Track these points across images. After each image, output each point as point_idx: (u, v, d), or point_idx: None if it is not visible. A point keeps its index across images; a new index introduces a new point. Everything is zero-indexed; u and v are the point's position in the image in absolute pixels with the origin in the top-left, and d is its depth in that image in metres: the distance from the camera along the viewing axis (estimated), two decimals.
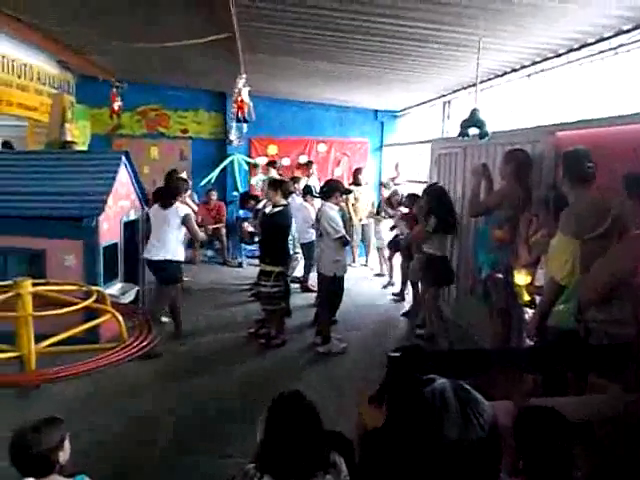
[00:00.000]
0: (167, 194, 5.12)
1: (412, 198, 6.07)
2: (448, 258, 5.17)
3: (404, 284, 6.72)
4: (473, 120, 4.15)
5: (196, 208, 7.89)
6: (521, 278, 3.61)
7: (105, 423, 3.55)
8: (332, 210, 4.93)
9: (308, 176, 8.66)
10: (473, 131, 4.21)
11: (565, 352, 2.23)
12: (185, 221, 5.03)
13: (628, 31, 3.63)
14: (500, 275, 3.92)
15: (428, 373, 1.17)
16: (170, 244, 5.00)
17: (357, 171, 8.56)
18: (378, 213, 7.84)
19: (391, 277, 7.49)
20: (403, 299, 6.75)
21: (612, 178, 2.92)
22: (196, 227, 5.23)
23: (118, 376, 4.07)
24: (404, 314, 6.18)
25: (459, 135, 4.28)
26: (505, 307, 3.97)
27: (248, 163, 9.31)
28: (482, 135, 4.16)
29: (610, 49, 3.89)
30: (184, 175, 7.12)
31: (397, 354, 1.90)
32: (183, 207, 5.17)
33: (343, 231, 4.90)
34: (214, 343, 5.17)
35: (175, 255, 5.04)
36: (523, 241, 3.67)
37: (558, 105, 4.74)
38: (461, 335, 5.32)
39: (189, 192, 5.93)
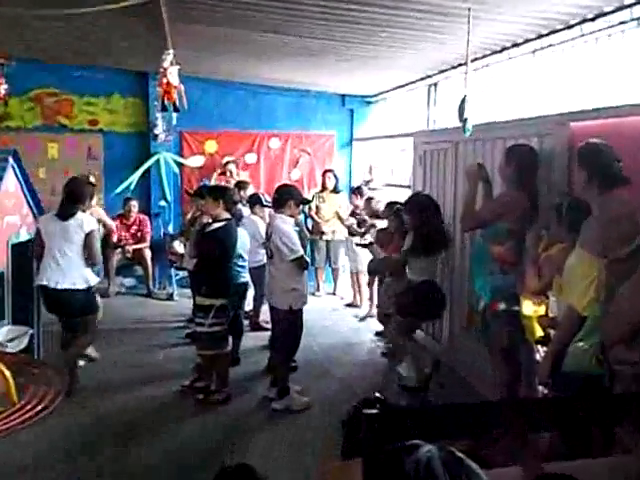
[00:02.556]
0: (68, 200, 5.07)
1: (392, 209, 6.15)
2: (435, 283, 5.25)
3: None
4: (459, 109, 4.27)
5: (112, 223, 7.79)
6: (530, 308, 3.68)
7: None
8: (285, 224, 4.94)
9: (228, 180, 8.67)
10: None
11: (586, 402, 2.26)
12: (87, 238, 5.02)
13: None
14: (502, 305, 3.97)
15: (409, 436, 1.17)
16: (74, 267, 4.98)
17: (325, 173, 8.69)
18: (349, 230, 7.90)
19: (371, 307, 7.56)
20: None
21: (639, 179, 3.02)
22: (98, 247, 5.22)
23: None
24: (384, 354, 6.25)
25: (464, 128, 4.36)
26: (510, 346, 4.02)
27: (179, 164, 9.25)
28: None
29: (632, 19, 4.02)
30: (92, 180, 7.01)
31: (355, 415, 1.89)
32: (90, 219, 5.15)
33: (301, 250, 4.91)
34: (136, 402, 5.08)
35: (86, 281, 5.03)
36: (531, 261, 3.75)
37: (572, 89, 4.87)
38: (456, 382, 5.37)
39: (95, 200, 5.84)
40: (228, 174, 8.82)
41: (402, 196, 6.91)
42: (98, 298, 5.55)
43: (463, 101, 4.35)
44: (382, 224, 6.72)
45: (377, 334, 6.90)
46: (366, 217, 7.38)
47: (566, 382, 2.91)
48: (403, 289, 5.24)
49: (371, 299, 7.61)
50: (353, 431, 1.83)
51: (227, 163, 9.06)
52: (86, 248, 5.08)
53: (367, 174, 9.07)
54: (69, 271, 4.96)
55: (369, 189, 8.48)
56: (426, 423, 2.12)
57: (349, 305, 8.18)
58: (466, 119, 4.36)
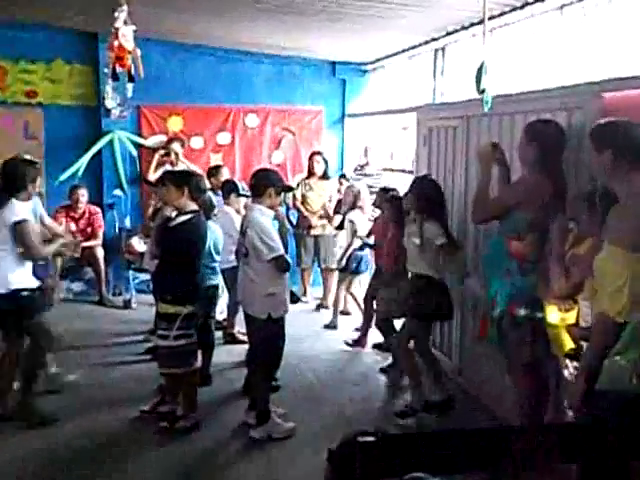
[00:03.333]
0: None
1: (384, 196, 6.17)
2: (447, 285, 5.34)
3: (367, 323, 6.98)
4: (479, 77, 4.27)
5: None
6: (556, 315, 3.67)
7: None
8: (264, 216, 4.94)
9: (174, 163, 8.65)
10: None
11: (625, 429, 2.26)
12: (16, 230, 4.93)
13: None
14: (522, 310, 3.97)
15: (411, 468, 1.15)
16: (5, 266, 4.93)
17: (313, 156, 8.68)
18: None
19: (336, 313, 7.69)
20: (363, 345, 7.00)
21: None
22: (33, 240, 5.07)
23: None
24: (384, 370, 6.27)
25: (483, 101, 4.39)
26: (533, 360, 4.02)
27: (138, 145, 9.18)
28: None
29: None
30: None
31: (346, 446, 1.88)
32: (19, 206, 5.04)
33: (281, 248, 4.89)
34: (85, 431, 5.05)
35: (8, 286, 4.95)
36: (557, 259, 3.74)
37: (606, 54, 4.87)
38: (468, 403, 5.38)
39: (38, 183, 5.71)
40: (173, 156, 8.72)
41: (401, 183, 6.95)
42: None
43: (481, 67, 4.32)
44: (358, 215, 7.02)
45: (375, 346, 6.91)
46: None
47: (600, 403, 2.89)
48: (412, 286, 5.31)
49: (336, 304, 7.76)
50: (342, 466, 1.81)
51: (170, 141, 8.94)
52: (18, 244, 5.01)
53: (362, 157, 9.06)
54: None
55: (365, 175, 8.47)
56: (432, 452, 2.10)
57: (344, 313, 8.13)
58: (484, 90, 4.34)
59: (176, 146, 8.80)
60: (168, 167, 8.50)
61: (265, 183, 5.00)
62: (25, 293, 5.09)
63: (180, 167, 8.39)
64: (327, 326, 7.75)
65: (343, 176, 8.42)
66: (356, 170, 8.85)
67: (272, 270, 4.85)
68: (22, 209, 5.08)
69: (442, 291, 5.28)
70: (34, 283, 5.16)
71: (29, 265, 5.17)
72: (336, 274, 7.97)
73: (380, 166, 8.87)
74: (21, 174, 5.12)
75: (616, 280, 2.84)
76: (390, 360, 6.34)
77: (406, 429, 5.08)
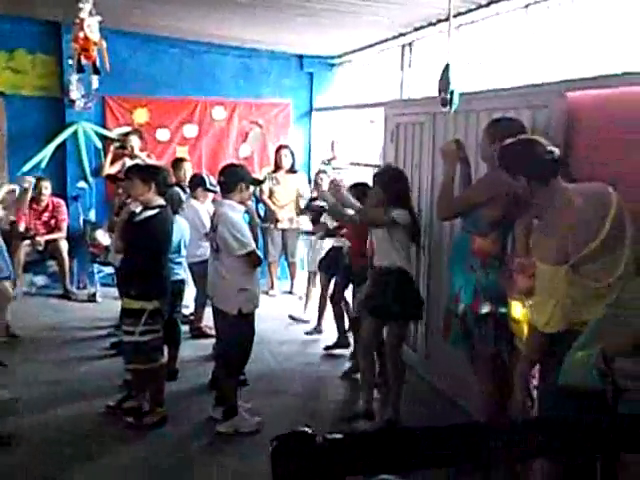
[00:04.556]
0: None
1: (359, 190, 6.17)
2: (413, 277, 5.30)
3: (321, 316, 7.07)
4: (443, 79, 4.28)
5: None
6: (519, 310, 3.73)
7: None
8: (235, 212, 4.94)
9: (132, 157, 8.59)
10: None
11: (586, 423, 2.29)
12: None
13: None
14: (486, 306, 4.02)
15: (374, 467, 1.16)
16: None
17: (280, 150, 8.69)
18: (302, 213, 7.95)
19: (320, 320, 7.37)
20: (348, 345, 6.82)
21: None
22: None
23: None
24: (345, 375, 6.20)
25: (443, 104, 4.39)
26: (496, 355, 4.08)
27: (103, 137, 9.10)
28: (444, 101, 4.35)
29: None
30: None
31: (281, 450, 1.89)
32: None
33: (253, 244, 4.90)
34: (49, 427, 5.02)
35: None
36: (521, 255, 3.79)
37: (571, 53, 4.95)
38: (436, 398, 5.44)
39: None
40: (129, 149, 8.71)
41: (369, 177, 6.96)
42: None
43: (447, 69, 4.35)
44: None
45: (327, 348, 6.78)
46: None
47: (560, 398, 2.95)
48: (380, 282, 5.04)
49: (322, 309, 7.29)
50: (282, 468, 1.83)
51: (127, 134, 8.90)
52: None
53: (329, 151, 9.07)
54: None
55: (332, 169, 8.48)
56: (391, 451, 2.13)
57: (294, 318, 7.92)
58: (452, 91, 4.35)
59: (134, 139, 8.77)
60: (127, 160, 8.47)
61: (235, 179, 5.00)
62: None
63: (136, 161, 8.32)
64: (309, 333, 7.35)
65: (324, 172, 8.37)
66: (322, 164, 8.84)
67: (243, 265, 4.86)
68: None
69: (411, 286, 5.14)
70: None
71: None
72: (318, 277, 7.46)
73: (347, 160, 8.87)
74: None
75: (543, 293, 3.00)
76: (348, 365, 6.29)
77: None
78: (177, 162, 7.84)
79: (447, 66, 4.33)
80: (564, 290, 2.93)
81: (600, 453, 2.38)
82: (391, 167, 5.87)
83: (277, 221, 8.63)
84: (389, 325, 5.19)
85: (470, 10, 5.75)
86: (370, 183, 5.74)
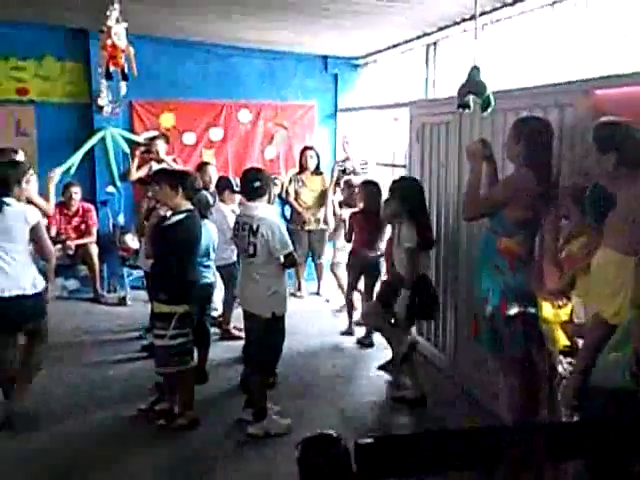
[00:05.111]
0: None
1: (369, 188, 6.28)
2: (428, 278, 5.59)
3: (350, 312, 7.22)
4: (471, 83, 4.25)
5: (50, 209, 7.70)
6: (551, 311, 3.72)
7: None
8: (273, 214, 5.13)
9: (158, 161, 8.67)
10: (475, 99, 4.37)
11: (620, 426, 2.28)
12: (35, 231, 5.00)
13: None
14: (515, 308, 4.00)
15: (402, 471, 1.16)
16: (22, 269, 4.96)
17: (305, 151, 8.72)
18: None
19: (351, 318, 7.47)
20: (372, 344, 6.93)
21: None
22: (47, 238, 5.23)
23: None
24: (381, 366, 6.30)
25: (459, 106, 4.39)
26: (525, 355, 4.06)
27: (130, 142, 9.17)
28: (482, 106, 4.32)
29: None
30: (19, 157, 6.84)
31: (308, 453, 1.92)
32: (29, 208, 5.12)
33: (291, 246, 4.98)
34: (81, 431, 5.06)
35: (34, 284, 5.03)
36: (550, 256, 3.78)
37: (598, 51, 4.89)
38: (464, 400, 5.43)
39: (32, 179, 5.70)
40: (155, 153, 8.77)
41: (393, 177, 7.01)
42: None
43: (470, 75, 4.33)
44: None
45: (358, 342, 7.10)
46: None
47: (593, 399, 2.94)
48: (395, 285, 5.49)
49: (350, 307, 7.47)
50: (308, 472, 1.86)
51: (154, 138, 8.94)
52: (35, 244, 5.08)
53: (342, 149, 9.04)
54: (17, 275, 4.92)
55: (345, 172, 8.48)
56: (422, 453, 2.14)
57: (339, 311, 8.15)
58: (488, 96, 4.31)
59: (160, 143, 8.82)
60: (153, 164, 8.54)
61: (266, 182, 5.09)
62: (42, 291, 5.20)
63: (162, 165, 8.41)
64: (344, 333, 7.42)
65: (344, 171, 8.48)
66: (337, 165, 8.81)
67: (276, 268, 4.92)
68: (33, 209, 5.16)
69: (425, 290, 5.48)
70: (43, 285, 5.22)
71: None
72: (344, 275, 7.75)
73: (364, 160, 8.85)
74: (10, 175, 5.13)
75: (613, 283, 2.88)
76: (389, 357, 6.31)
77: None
78: (202, 166, 7.88)
79: (473, 69, 4.31)
80: (632, 281, 2.84)
81: (633, 455, 2.38)
82: (407, 178, 5.91)
83: (304, 222, 8.65)
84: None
85: (495, 9, 5.71)
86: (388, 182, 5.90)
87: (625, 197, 2.99)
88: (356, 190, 7.39)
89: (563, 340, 3.64)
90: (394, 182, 5.75)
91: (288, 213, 8.99)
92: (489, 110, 4.35)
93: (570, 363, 3.51)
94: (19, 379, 5.18)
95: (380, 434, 4.95)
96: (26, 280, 4.98)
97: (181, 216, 4.97)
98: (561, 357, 3.66)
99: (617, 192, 3.04)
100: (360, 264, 7.02)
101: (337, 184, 8.41)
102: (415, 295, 5.35)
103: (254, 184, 5.01)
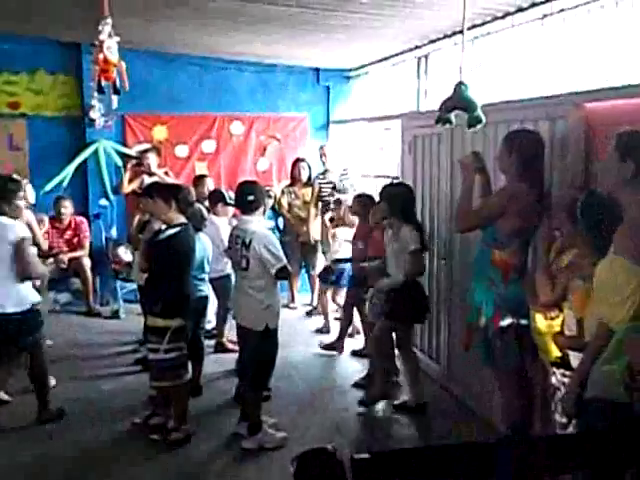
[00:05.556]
0: None
1: (361, 201, 6.28)
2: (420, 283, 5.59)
3: (345, 328, 7.13)
4: (459, 99, 4.27)
5: (44, 226, 7.69)
6: (543, 323, 3.73)
7: None
8: (266, 228, 5.09)
9: (149, 174, 8.71)
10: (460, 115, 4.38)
11: (615, 438, 2.29)
12: (17, 247, 4.99)
13: None
14: (508, 319, 4.02)
15: None
16: (7, 285, 4.95)
17: (297, 163, 8.73)
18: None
19: (327, 317, 7.79)
20: (340, 349, 7.08)
21: None
22: (33, 256, 5.20)
23: None
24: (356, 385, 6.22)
25: (437, 122, 4.42)
26: (519, 367, 4.08)
27: (123, 155, 9.17)
28: (470, 122, 4.31)
29: None
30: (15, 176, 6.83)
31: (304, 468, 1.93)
32: (18, 224, 5.11)
33: (284, 259, 4.96)
34: (74, 446, 5.02)
35: (20, 302, 5.02)
36: (542, 268, 3.79)
37: (587, 64, 4.94)
38: (460, 410, 5.44)
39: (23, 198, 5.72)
40: (146, 166, 8.78)
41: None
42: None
43: (456, 91, 4.34)
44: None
45: (354, 353, 7.02)
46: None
47: (587, 411, 2.95)
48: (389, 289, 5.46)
49: (324, 309, 7.93)
50: None
51: (146, 151, 8.94)
52: (17, 261, 5.04)
53: (320, 159, 9.00)
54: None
55: (335, 188, 8.51)
56: (418, 468, 2.15)
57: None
58: (478, 116, 4.31)
59: (151, 156, 8.83)
60: (145, 177, 8.55)
61: (260, 196, 5.09)
62: (36, 307, 5.20)
63: (154, 178, 8.43)
64: (319, 330, 7.83)
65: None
66: (317, 178, 8.81)
67: (270, 282, 4.92)
68: (19, 224, 5.13)
69: (419, 293, 5.51)
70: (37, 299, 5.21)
71: None
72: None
73: (345, 169, 8.86)
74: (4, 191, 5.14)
75: (622, 291, 2.86)
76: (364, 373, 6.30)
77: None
78: (199, 179, 7.93)
79: (459, 85, 4.32)
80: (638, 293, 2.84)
81: (629, 466, 2.38)
82: (396, 182, 5.94)
83: (297, 235, 8.66)
84: (398, 327, 5.52)
85: (485, 22, 5.76)
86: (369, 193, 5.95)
87: (636, 205, 2.96)
88: (343, 208, 7.48)
89: (555, 352, 3.65)
90: (384, 187, 5.80)
91: (281, 225, 8.99)
92: (478, 127, 4.36)
93: (564, 374, 3.52)
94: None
95: (375, 446, 4.98)
96: (6, 298, 4.96)
97: (175, 230, 4.96)
98: (554, 369, 3.68)
99: (631, 201, 3.00)
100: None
101: (323, 200, 8.44)
102: (409, 298, 5.39)
103: (248, 198, 5.02)
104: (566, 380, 3.44)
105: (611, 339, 2.91)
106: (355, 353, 6.97)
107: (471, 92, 4.30)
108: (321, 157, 8.96)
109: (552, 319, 3.69)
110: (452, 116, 4.41)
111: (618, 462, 2.34)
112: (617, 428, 2.67)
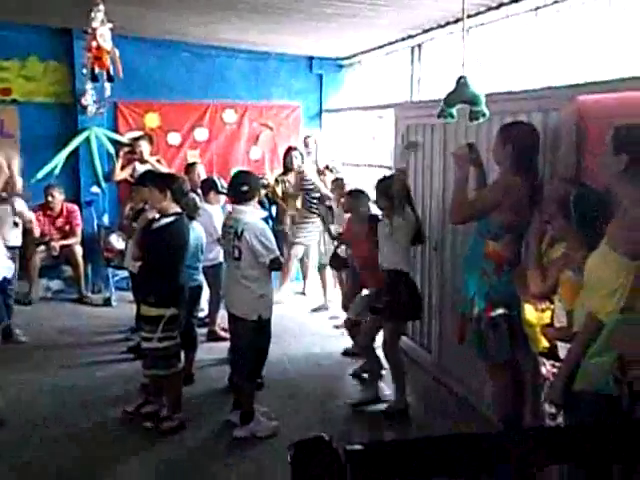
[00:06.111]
0: None
1: (354, 196, 6.27)
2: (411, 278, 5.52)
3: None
4: (464, 93, 4.27)
5: (32, 216, 7.65)
6: (532, 313, 3.77)
7: None
8: (259, 218, 5.06)
9: (142, 162, 8.75)
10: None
11: (603, 430, 2.32)
12: None
13: None
14: (500, 310, 4.05)
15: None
16: None
17: (289, 151, 8.69)
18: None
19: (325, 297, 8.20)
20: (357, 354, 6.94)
21: None
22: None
23: None
24: (355, 375, 6.25)
25: (439, 116, 4.41)
26: (511, 358, 4.12)
27: (115, 142, 9.15)
28: (474, 116, 4.32)
29: None
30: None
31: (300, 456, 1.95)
32: None
33: (277, 250, 4.97)
34: (66, 435, 5.01)
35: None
36: (534, 260, 3.82)
37: (581, 56, 4.96)
38: (452, 401, 5.49)
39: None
40: (138, 154, 8.80)
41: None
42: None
43: (459, 85, 4.32)
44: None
45: (345, 354, 6.82)
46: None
47: (576, 403, 2.98)
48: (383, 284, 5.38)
49: (324, 287, 8.31)
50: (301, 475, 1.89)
51: (138, 138, 8.97)
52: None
53: (303, 148, 8.95)
54: None
55: (328, 167, 8.53)
56: (411, 460, 2.17)
57: (317, 309, 8.31)
58: (481, 110, 4.31)
59: (143, 144, 8.84)
60: (137, 165, 8.55)
61: (255, 186, 5.10)
62: None
63: (146, 165, 8.45)
64: (316, 310, 8.16)
65: (327, 167, 8.50)
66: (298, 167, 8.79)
67: (263, 272, 4.91)
68: None
69: (411, 288, 5.39)
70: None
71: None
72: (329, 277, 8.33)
73: (332, 158, 8.90)
74: None
75: (611, 284, 2.90)
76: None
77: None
78: (189, 166, 7.93)
79: (461, 79, 4.30)
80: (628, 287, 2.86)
81: (617, 460, 2.40)
82: (389, 175, 5.93)
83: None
84: (385, 323, 5.40)
85: (479, 12, 5.76)
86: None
87: (631, 200, 2.99)
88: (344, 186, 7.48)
89: (543, 342, 3.69)
90: (379, 181, 5.73)
91: (274, 213, 9.00)
92: (480, 120, 4.37)
93: (553, 365, 3.56)
94: None
95: (366, 437, 5.02)
96: None
97: (170, 219, 4.97)
98: (544, 359, 3.71)
99: (624, 194, 3.03)
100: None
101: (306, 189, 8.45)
102: (401, 294, 5.31)
103: (242, 188, 5.01)
104: (555, 371, 3.48)
105: (600, 331, 2.93)
106: (346, 353, 6.82)
107: (472, 85, 4.30)
108: (306, 147, 8.96)
109: (542, 311, 3.72)
110: (454, 111, 4.42)
111: (605, 456, 2.37)
112: (605, 422, 2.70)
